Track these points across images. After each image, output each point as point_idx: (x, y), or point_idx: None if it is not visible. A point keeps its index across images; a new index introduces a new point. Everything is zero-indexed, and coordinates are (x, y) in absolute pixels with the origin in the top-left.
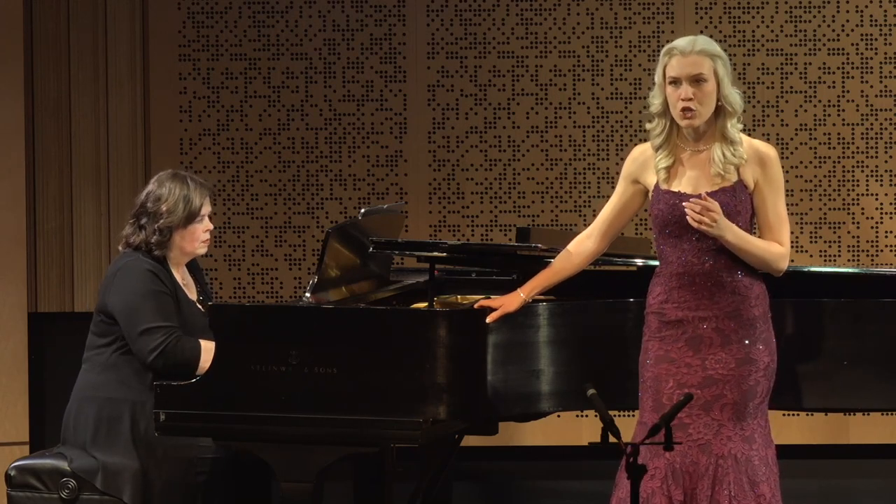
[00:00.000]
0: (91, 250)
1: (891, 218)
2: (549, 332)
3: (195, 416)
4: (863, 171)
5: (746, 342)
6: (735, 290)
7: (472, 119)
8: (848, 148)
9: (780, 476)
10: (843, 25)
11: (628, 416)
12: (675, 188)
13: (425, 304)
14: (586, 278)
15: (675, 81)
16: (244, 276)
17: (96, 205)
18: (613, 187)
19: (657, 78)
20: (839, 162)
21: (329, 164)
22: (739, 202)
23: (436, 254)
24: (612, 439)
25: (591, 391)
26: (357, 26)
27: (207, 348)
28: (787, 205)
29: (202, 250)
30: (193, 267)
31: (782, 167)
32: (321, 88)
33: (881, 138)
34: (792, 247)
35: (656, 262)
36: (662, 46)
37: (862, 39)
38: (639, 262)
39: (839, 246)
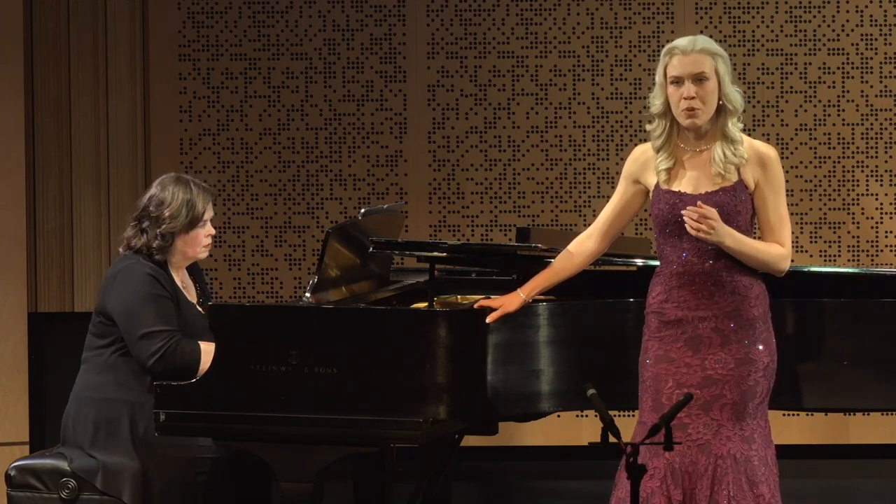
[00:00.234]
0: (91, 250)
1: (891, 218)
2: (549, 332)
3: (195, 416)
4: (863, 171)
5: (746, 342)
6: (735, 289)
7: (472, 119)
8: (848, 148)
9: (779, 476)
10: (843, 25)
11: (628, 416)
12: (675, 188)
13: (425, 304)
14: (586, 278)
15: (677, 81)
16: (244, 276)
17: (96, 205)
18: (613, 187)
19: (658, 78)
20: (839, 162)
21: (329, 164)
22: (740, 202)
23: (436, 254)
24: (612, 439)
25: (591, 391)
26: (357, 26)
27: (207, 351)
28: (788, 205)
29: (203, 254)
30: (194, 268)
31: (782, 167)
32: (321, 88)
33: (881, 138)
34: (792, 247)
35: (656, 262)
36: (662, 46)
37: (862, 39)
38: (639, 262)
39: (839, 246)
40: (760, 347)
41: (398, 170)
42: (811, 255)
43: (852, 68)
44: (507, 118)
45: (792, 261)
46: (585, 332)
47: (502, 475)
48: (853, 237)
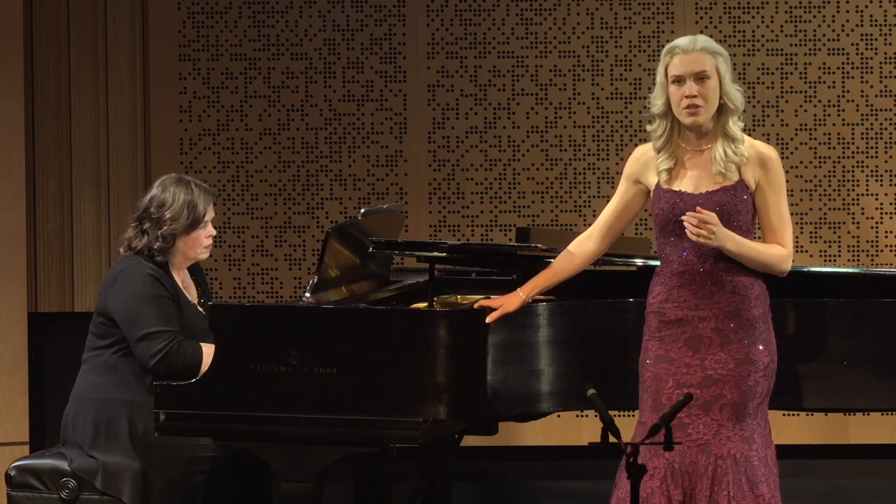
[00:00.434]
0: (91, 250)
1: (891, 218)
2: (549, 332)
3: (195, 416)
4: (863, 171)
5: (746, 342)
6: (735, 289)
7: (472, 119)
8: (848, 148)
9: (780, 476)
10: (843, 25)
11: (628, 416)
12: (676, 187)
13: (425, 304)
14: (586, 278)
15: (679, 80)
16: (244, 276)
17: (96, 205)
18: (613, 187)
19: (659, 78)
20: (839, 162)
21: (329, 164)
22: (740, 201)
23: (436, 254)
24: (612, 439)
25: (591, 391)
26: (357, 26)
27: (208, 352)
28: (788, 205)
29: (204, 255)
30: (194, 268)
31: (782, 167)
32: (321, 88)
33: (881, 138)
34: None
35: (656, 262)
36: (662, 46)
37: (862, 39)
38: (639, 262)
39: (839, 246)
40: (760, 347)
41: (398, 170)
42: (811, 255)
43: (852, 68)
44: (507, 118)
45: (792, 261)
46: (585, 332)
47: (502, 475)
48: (853, 237)
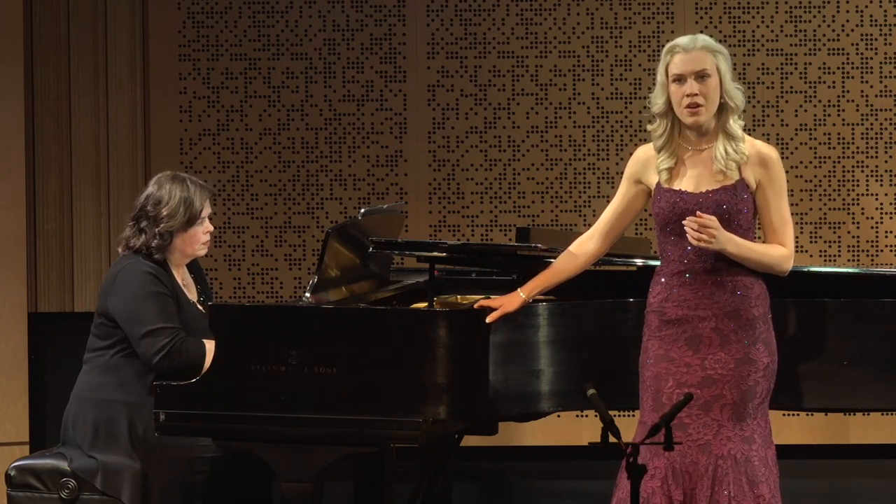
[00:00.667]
0: (91, 250)
1: (891, 218)
2: (549, 332)
3: (195, 416)
4: (863, 171)
5: (746, 342)
6: (735, 289)
7: (472, 119)
8: (848, 148)
9: (780, 476)
10: (843, 25)
11: (628, 416)
12: (676, 187)
13: (425, 304)
14: (586, 278)
15: (680, 79)
16: (244, 276)
17: (96, 205)
18: (613, 187)
19: (659, 77)
20: (839, 162)
21: (329, 164)
22: (741, 200)
23: (436, 254)
24: (612, 439)
25: (591, 391)
26: (357, 26)
27: (212, 349)
28: (788, 204)
29: (202, 252)
30: (194, 267)
31: (783, 167)
32: (321, 88)
33: (881, 138)
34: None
35: (656, 262)
36: (662, 46)
37: (862, 39)
38: (639, 262)
39: (839, 246)
40: (760, 347)
41: (398, 170)
42: (811, 255)
43: (852, 68)
44: (507, 118)
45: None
46: (585, 332)
47: (502, 475)
48: (853, 237)
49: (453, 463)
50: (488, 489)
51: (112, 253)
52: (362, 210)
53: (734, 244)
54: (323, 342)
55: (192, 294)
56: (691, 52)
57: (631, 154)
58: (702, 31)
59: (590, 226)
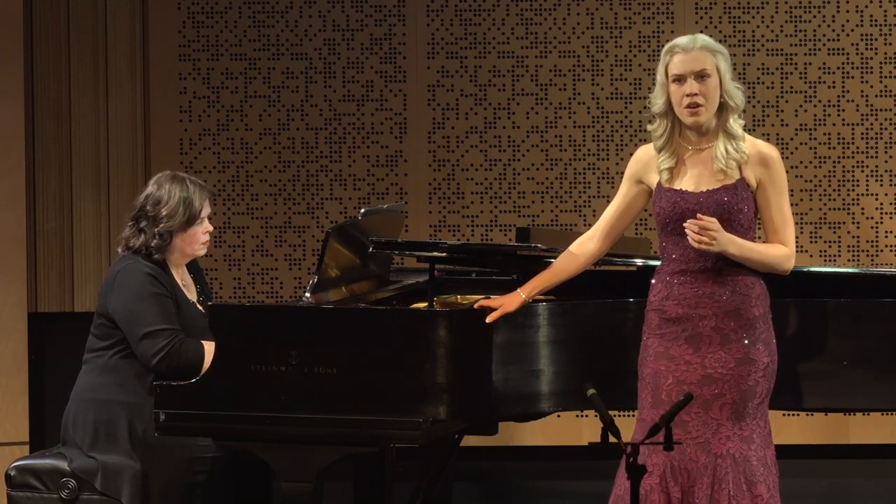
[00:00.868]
0: (91, 250)
1: (891, 218)
2: (549, 332)
3: (195, 416)
4: (863, 171)
5: (746, 342)
6: (736, 288)
7: (472, 119)
8: (848, 148)
9: (780, 476)
10: (843, 25)
11: (628, 416)
12: (677, 186)
13: (425, 304)
14: (586, 278)
15: (680, 79)
16: (244, 276)
17: (96, 205)
18: (613, 187)
19: (659, 77)
20: (839, 162)
21: (329, 164)
22: (742, 199)
23: (436, 254)
24: (612, 439)
25: (591, 391)
26: (357, 26)
27: (211, 350)
28: (789, 204)
29: (202, 252)
30: (194, 267)
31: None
32: (321, 88)
33: (881, 138)
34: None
35: (656, 262)
36: (662, 46)
37: (862, 39)
38: (639, 262)
39: (839, 246)
40: (760, 347)
41: (398, 170)
42: (811, 255)
43: (852, 68)
44: (507, 118)
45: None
46: (585, 332)
47: (502, 475)
48: (853, 237)
49: (453, 463)
50: (488, 489)
51: (112, 253)
52: (362, 210)
53: (735, 245)
54: (323, 342)
55: (191, 294)
56: (691, 52)
57: (631, 154)
58: (702, 31)
59: (590, 226)
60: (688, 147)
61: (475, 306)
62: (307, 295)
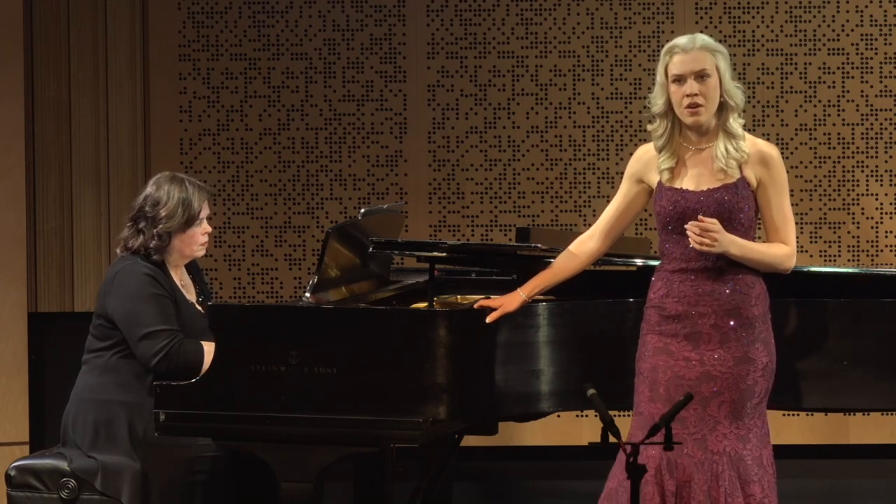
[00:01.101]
0: (91, 250)
1: (891, 218)
2: (549, 332)
3: (195, 415)
4: (863, 171)
5: (745, 341)
6: (736, 287)
7: (472, 119)
8: (848, 148)
9: (779, 476)
10: (843, 25)
11: (628, 415)
12: (677, 185)
13: (425, 304)
14: (586, 278)
15: (679, 79)
16: (244, 276)
17: (96, 205)
18: (613, 187)
19: (659, 77)
20: (839, 162)
21: (329, 164)
22: (742, 198)
23: (436, 254)
24: (612, 439)
25: (591, 391)
26: (357, 26)
27: (210, 350)
28: (790, 202)
29: (200, 252)
30: (193, 267)
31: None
32: (321, 88)
33: (881, 138)
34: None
35: (656, 262)
36: (662, 46)
37: (862, 39)
38: (639, 262)
39: (839, 246)
40: (759, 347)
41: (398, 170)
42: (811, 255)
43: (852, 68)
44: (507, 118)
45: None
46: (585, 332)
47: (502, 475)
48: (853, 237)
49: (453, 463)
50: (488, 489)
51: (112, 253)
52: (362, 210)
53: (736, 246)
54: (323, 342)
55: (190, 295)
56: (690, 52)
57: (631, 154)
58: (702, 31)
59: (590, 226)
60: (688, 147)
61: (475, 306)
62: (307, 295)
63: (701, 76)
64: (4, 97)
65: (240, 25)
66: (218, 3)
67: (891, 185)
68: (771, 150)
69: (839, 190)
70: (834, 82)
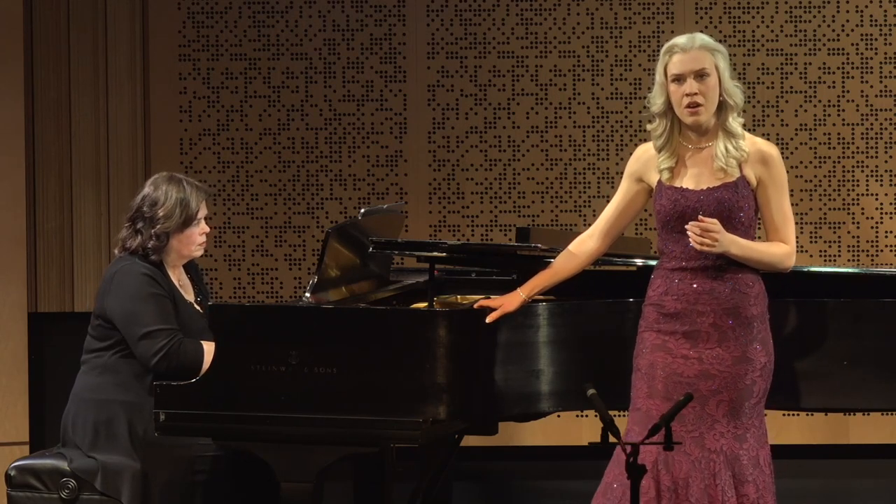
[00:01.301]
0: (91, 250)
1: (891, 218)
2: (549, 332)
3: (195, 415)
4: (863, 171)
5: (743, 341)
6: (735, 286)
7: (472, 119)
8: (848, 148)
9: (777, 476)
10: (843, 25)
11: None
12: (677, 184)
13: (425, 304)
14: (586, 278)
15: (679, 78)
16: (244, 276)
17: (96, 205)
18: (613, 187)
19: (658, 77)
20: (839, 162)
21: (329, 164)
22: (742, 197)
23: (436, 254)
24: (612, 439)
25: (591, 391)
26: (357, 26)
27: (210, 350)
28: (789, 201)
29: (198, 252)
30: (191, 267)
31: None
32: (321, 88)
33: (881, 138)
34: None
35: (656, 262)
36: (662, 46)
37: (862, 39)
38: (639, 262)
39: (839, 246)
40: (758, 347)
41: (398, 170)
42: (811, 255)
43: (852, 68)
44: (507, 118)
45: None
46: (585, 332)
47: (502, 475)
48: (853, 237)
49: (453, 463)
50: (488, 489)
51: (112, 253)
52: (362, 210)
53: (737, 246)
54: (323, 342)
55: (188, 295)
56: (690, 51)
57: (631, 154)
58: (702, 31)
59: (590, 226)
60: (688, 146)
61: (475, 306)
62: (307, 295)
63: (700, 75)
64: (4, 97)
65: (240, 25)
66: (218, 3)
67: (891, 185)
68: (770, 149)
69: (839, 190)
70: (834, 82)
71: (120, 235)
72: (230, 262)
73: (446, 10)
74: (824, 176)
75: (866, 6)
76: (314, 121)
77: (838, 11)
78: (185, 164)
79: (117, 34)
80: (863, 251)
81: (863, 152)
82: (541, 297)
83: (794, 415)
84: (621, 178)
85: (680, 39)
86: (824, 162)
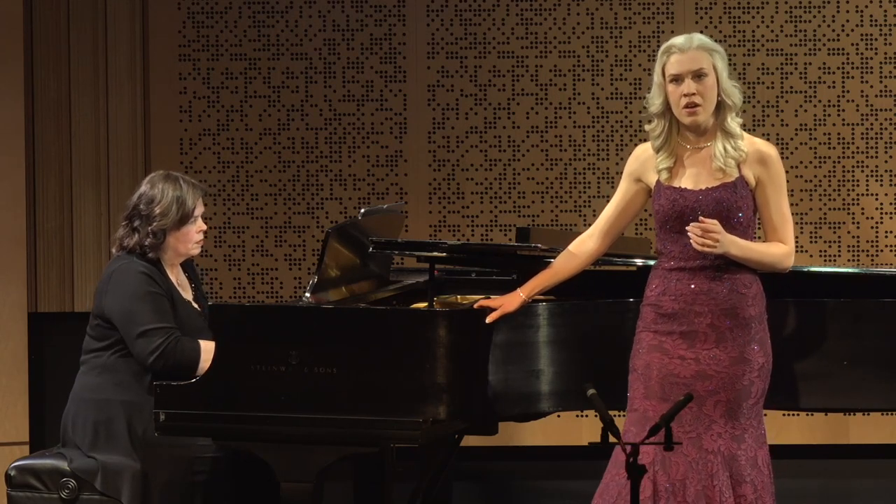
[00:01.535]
0: (91, 250)
1: (891, 218)
2: (549, 332)
3: (195, 415)
4: (863, 171)
5: (741, 342)
6: (734, 287)
7: (472, 119)
8: (848, 148)
9: (777, 477)
10: (843, 25)
11: None
12: (676, 184)
13: (425, 304)
14: (586, 278)
15: (677, 79)
16: (244, 276)
17: (96, 205)
18: (613, 187)
19: (656, 77)
20: (839, 162)
21: (329, 164)
22: (740, 197)
23: (436, 254)
24: (612, 439)
25: (591, 391)
26: (357, 26)
27: (207, 349)
28: (788, 201)
29: (196, 251)
30: (189, 267)
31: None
32: (321, 88)
33: (881, 138)
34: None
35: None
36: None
37: (862, 39)
38: (639, 262)
39: (839, 246)
40: (756, 348)
41: (398, 170)
42: (811, 255)
43: (852, 68)
44: (507, 118)
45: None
46: (585, 332)
47: (502, 475)
48: (853, 237)
49: (453, 463)
50: (488, 489)
51: (111, 253)
52: (362, 210)
53: (737, 246)
54: (323, 342)
55: (186, 293)
56: (687, 51)
57: (631, 154)
58: (702, 31)
59: (590, 226)
60: (686, 146)
61: (475, 306)
62: (307, 295)
63: (698, 76)
64: (4, 97)
65: (240, 25)
66: (218, 3)
67: (891, 185)
68: (769, 149)
69: (839, 190)
70: (834, 82)
71: (117, 234)
72: (230, 262)
73: (446, 10)
74: (824, 176)
75: (866, 6)
76: (314, 121)
77: (838, 11)
78: (185, 164)
79: (117, 34)
80: (863, 251)
81: (863, 152)
82: (541, 297)
83: (794, 415)
84: (621, 178)
85: (677, 40)
86: (824, 162)
